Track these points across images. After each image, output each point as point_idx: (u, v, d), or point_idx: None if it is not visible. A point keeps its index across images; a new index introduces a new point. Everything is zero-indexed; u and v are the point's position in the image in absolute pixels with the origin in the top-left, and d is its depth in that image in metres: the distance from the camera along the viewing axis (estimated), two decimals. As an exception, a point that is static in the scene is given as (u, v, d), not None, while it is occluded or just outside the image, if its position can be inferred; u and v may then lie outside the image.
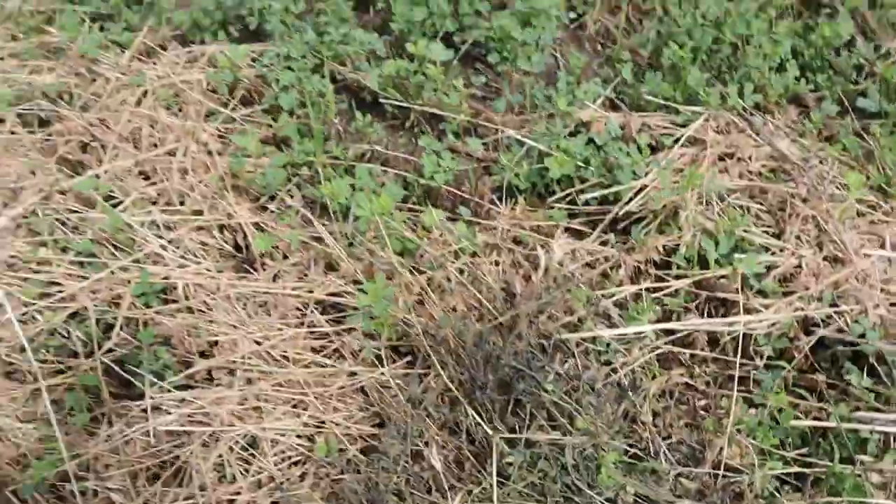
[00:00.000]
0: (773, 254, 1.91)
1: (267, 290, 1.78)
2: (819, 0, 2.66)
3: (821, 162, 2.14)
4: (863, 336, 1.77)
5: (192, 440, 1.59)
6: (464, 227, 1.86)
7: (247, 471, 1.58)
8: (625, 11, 2.57)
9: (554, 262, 1.79)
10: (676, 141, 2.14)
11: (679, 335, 1.78)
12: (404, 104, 2.18)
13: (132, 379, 1.70)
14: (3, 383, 1.75)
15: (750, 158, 2.11)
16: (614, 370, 1.67)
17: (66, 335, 1.80)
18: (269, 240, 1.82)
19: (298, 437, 1.61)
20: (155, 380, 1.67)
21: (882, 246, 1.96)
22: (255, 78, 2.22)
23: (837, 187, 2.07)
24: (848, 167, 2.18)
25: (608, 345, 1.69)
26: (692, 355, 1.77)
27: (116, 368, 1.72)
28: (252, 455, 1.60)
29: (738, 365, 1.70)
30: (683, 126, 2.18)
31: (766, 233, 1.97)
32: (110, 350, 1.75)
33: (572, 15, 2.55)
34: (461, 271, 1.77)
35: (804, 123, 2.29)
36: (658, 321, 1.79)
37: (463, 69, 2.39)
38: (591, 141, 2.12)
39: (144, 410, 1.63)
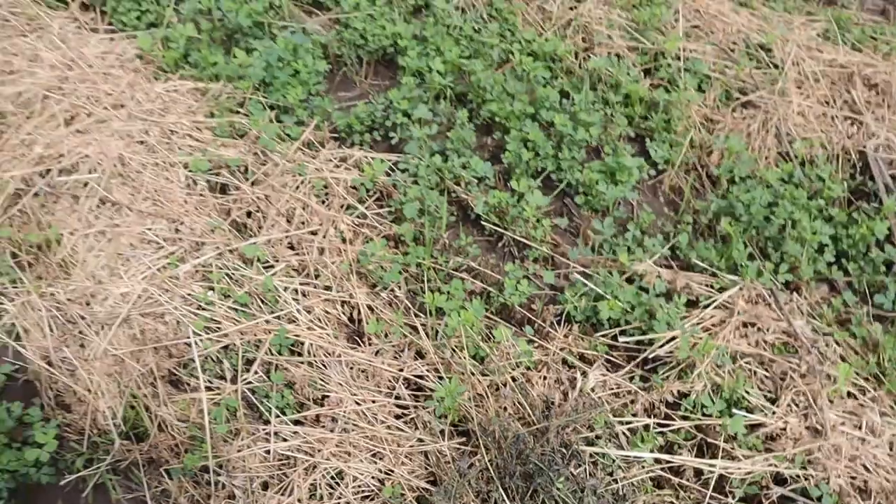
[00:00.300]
0: (764, 415, 2.48)
1: (370, 362, 2.45)
2: (867, 193, 3.21)
3: (827, 344, 2.69)
4: (820, 499, 2.32)
5: (297, 464, 2.27)
6: (525, 345, 2.50)
7: (332, 495, 2.25)
8: (697, 173, 3.18)
9: (588, 387, 2.41)
10: (712, 303, 2.72)
11: (672, 464, 2.37)
12: (500, 228, 2.84)
13: (261, 407, 2.40)
14: (168, 388, 2.47)
15: (768, 330, 2.68)
16: (615, 480, 2.28)
17: (218, 361, 2.51)
18: (379, 325, 2.49)
19: (373, 478, 2.27)
20: (278, 412, 2.37)
21: (858, 427, 2.51)
22: (388, 184, 2.92)
23: (836, 370, 2.61)
24: (853, 352, 2.72)
25: (614, 461, 2.30)
26: (679, 483, 2.35)
27: (251, 396, 2.42)
28: (337, 484, 2.27)
29: (710, 497, 2.28)
30: (720, 290, 2.77)
31: (765, 396, 2.54)
32: (248, 381, 2.45)
33: (653, 172, 3.17)
34: (515, 380, 2.40)
35: (825, 306, 2.84)
36: (659, 449, 2.39)
37: (554, 202, 3.03)
38: (640, 289, 2.73)
39: (268, 434, 2.33)
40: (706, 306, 2.71)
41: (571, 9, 3.70)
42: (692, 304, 2.76)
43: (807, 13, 4.06)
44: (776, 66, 3.61)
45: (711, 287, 2.79)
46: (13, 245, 2.75)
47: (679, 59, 3.55)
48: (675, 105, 3.30)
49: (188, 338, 2.48)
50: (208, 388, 2.45)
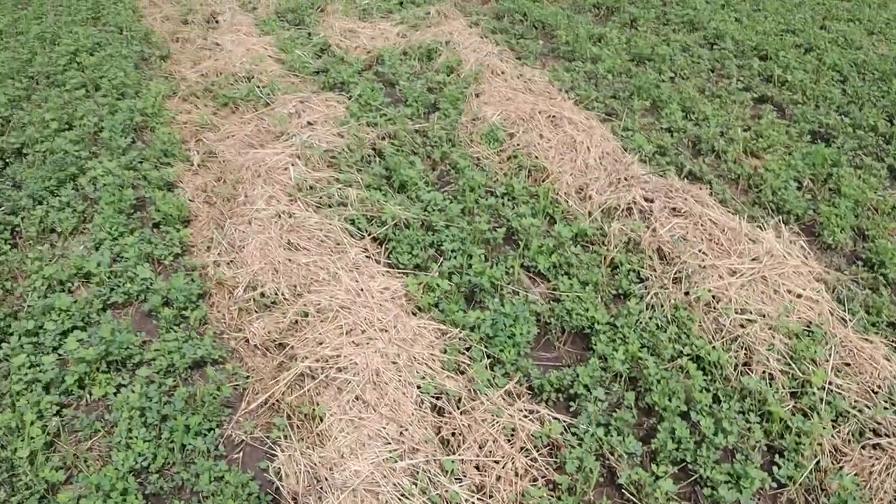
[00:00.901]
0: None
1: (513, 576, 3.39)
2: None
3: None
4: None
5: None
6: None
7: None
8: (815, 495, 3.91)
9: None
10: None
11: None
12: (635, 498, 3.74)
13: (428, 584, 3.39)
14: (368, 549, 3.54)
15: None
16: None
17: (406, 541, 3.56)
18: (526, 549, 3.45)
19: None
20: (439, 592, 3.35)
21: None
22: (559, 440, 3.93)
23: None
24: None
25: None
26: None
27: (423, 574, 3.43)
28: None
29: None
30: None
31: None
32: (424, 562, 3.46)
33: (774, 484, 3.94)
34: None
35: None
36: None
37: (686, 487, 3.88)
38: (737, 582, 3.48)
39: None
40: None
41: (741, 326, 4.64)
42: None
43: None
44: (913, 418, 4.29)
45: None
46: (290, 410, 4.04)
47: (823, 390, 4.34)
48: (810, 433, 4.08)
49: (391, 517, 3.57)
50: (395, 559, 3.49)
